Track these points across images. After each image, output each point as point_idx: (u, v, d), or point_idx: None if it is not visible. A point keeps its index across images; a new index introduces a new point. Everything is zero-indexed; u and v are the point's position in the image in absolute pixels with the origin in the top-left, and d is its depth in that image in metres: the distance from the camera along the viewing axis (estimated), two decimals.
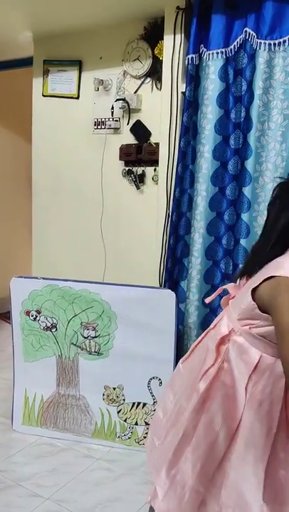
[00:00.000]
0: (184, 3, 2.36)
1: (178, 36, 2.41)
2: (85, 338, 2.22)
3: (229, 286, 1.54)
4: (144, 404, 2.21)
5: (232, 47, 2.21)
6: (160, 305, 2.12)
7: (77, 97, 2.97)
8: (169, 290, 2.18)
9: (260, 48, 2.10)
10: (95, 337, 2.20)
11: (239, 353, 1.30)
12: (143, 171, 2.74)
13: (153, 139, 2.69)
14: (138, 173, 2.74)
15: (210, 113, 2.27)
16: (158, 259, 2.56)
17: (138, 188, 2.76)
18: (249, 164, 2.19)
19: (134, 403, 2.22)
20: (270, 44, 2.09)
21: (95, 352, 2.22)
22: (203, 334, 1.52)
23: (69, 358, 2.26)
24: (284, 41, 2.07)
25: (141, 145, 2.72)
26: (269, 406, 1.27)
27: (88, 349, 2.23)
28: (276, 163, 2.16)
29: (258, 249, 1.34)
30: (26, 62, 3.27)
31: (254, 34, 2.12)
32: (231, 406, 1.32)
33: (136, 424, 2.22)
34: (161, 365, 2.14)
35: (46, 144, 3.13)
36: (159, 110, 2.54)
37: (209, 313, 2.36)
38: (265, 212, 2.29)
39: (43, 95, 3.09)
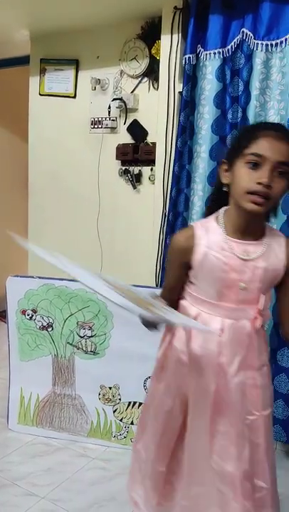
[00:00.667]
0: (182, 3, 2.37)
1: (175, 36, 2.41)
2: (81, 337, 2.22)
3: None
4: (140, 404, 2.21)
5: (229, 47, 2.21)
6: None
7: (74, 96, 2.97)
8: None
9: (257, 49, 2.11)
10: (91, 336, 2.20)
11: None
12: (140, 170, 2.74)
13: (150, 139, 2.70)
14: (135, 173, 2.75)
15: (207, 113, 2.28)
16: (154, 258, 2.56)
17: (135, 187, 2.76)
18: None
19: (130, 402, 2.22)
20: (267, 45, 2.09)
21: (91, 351, 2.22)
22: None
23: (65, 357, 2.26)
24: (281, 42, 2.07)
25: (138, 145, 2.72)
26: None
27: (84, 348, 2.22)
28: None
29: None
30: (23, 60, 3.27)
31: (251, 35, 2.12)
32: (184, 372, 1.32)
33: (132, 423, 2.22)
34: None
35: (43, 143, 3.13)
36: (155, 110, 2.54)
37: None
38: None
39: (39, 94, 3.09)
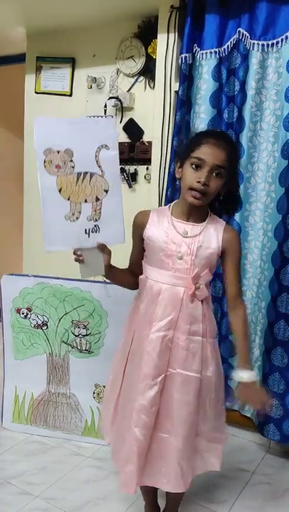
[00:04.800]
0: (178, 3, 2.36)
1: (171, 35, 2.41)
2: (75, 336, 2.22)
3: None
4: None
5: (225, 47, 2.21)
6: None
7: (70, 95, 2.97)
8: None
9: (253, 49, 2.11)
10: (86, 335, 2.20)
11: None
12: (135, 169, 2.74)
13: (146, 138, 2.70)
14: (130, 172, 2.74)
15: (203, 112, 2.28)
16: None
17: (130, 186, 2.76)
18: (241, 164, 2.20)
19: None
20: (263, 45, 2.10)
21: (85, 350, 2.22)
22: None
23: (59, 356, 2.25)
24: (277, 42, 2.08)
25: (133, 143, 2.72)
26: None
27: (79, 347, 2.22)
28: (268, 164, 2.18)
29: None
30: (19, 58, 3.26)
31: (247, 34, 2.13)
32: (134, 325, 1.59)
33: None
34: None
35: None
36: (152, 109, 2.55)
37: None
38: (257, 212, 2.33)
39: (35, 92, 3.08)
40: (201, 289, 1.48)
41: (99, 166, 1.48)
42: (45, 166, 1.45)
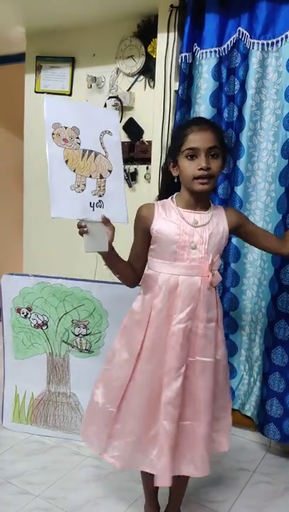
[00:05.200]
0: (178, 2, 2.36)
1: (171, 34, 2.41)
2: (76, 335, 2.21)
3: None
4: None
5: (225, 46, 2.21)
6: None
7: (70, 94, 2.97)
8: None
9: (253, 48, 2.11)
10: (86, 335, 2.20)
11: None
12: (135, 169, 2.74)
13: (145, 137, 2.70)
14: (130, 171, 2.74)
15: (203, 112, 2.28)
16: None
17: (130, 186, 2.76)
18: (241, 164, 2.20)
19: None
20: (263, 44, 2.10)
21: (85, 350, 2.22)
22: None
23: (60, 355, 2.25)
24: (277, 41, 2.07)
25: (133, 143, 2.72)
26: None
27: (79, 347, 2.22)
28: (268, 163, 2.17)
29: None
30: (19, 58, 3.26)
31: (247, 34, 2.12)
32: (138, 326, 1.57)
33: None
34: None
35: (38, 141, 3.11)
36: (151, 108, 2.54)
37: None
38: (257, 212, 2.32)
39: (35, 92, 3.08)
40: (215, 275, 1.51)
41: (103, 148, 1.53)
42: (53, 138, 1.47)
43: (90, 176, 1.50)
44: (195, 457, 1.53)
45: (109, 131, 1.54)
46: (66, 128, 1.49)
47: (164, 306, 1.51)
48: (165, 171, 1.59)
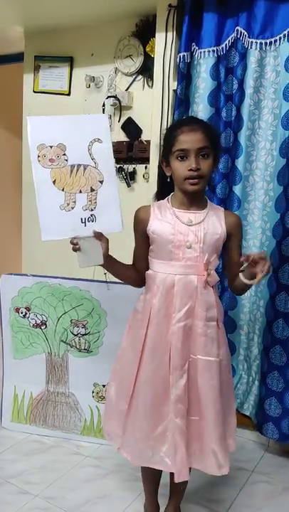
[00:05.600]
0: (176, 1, 2.36)
1: (170, 34, 2.41)
2: (74, 335, 2.22)
3: None
4: None
5: (223, 45, 2.21)
6: None
7: (69, 94, 2.96)
8: None
9: (251, 47, 2.11)
10: (85, 334, 2.20)
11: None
12: (134, 168, 2.74)
13: (144, 137, 2.70)
14: (129, 171, 2.74)
15: (201, 111, 2.28)
16: None
17: (129, 185, 2.76)
18: (239, 163, 2.20)
19: None
20: (261, 43, 2.10)
21: (84, 349, 2.22)
22: None
23: (58, 355, 2.25)
24: (275, 41, 2.07)
25: (132, 142, 2.72)
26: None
27: (78, 346, 2.22)
28: (266, 162, 2.18)
29: None
30: (17, 57, 3.26)
31: (245, 33, 2.12)
32: (141, 325, 1.58)
33: None
34: None
35: None
36: (150, 108, 2.54)
37: None
38: (256, 211, 2.33)
39: (33, 91, 3.08)
40: (212, 275, 1.51)
41: (92, 159, 1.52)
42: (39, 161, 1.49)
43: (80, 191, 1.51)
44: (203, 453, 1.54)
45: (98, 139, 1.52)
46: (52, 147, 1.49)
47: (162, 306, 1.52)
48: (161, 169, 1.60)
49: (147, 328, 1.55)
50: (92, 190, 1.52)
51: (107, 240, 1.54)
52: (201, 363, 1.52)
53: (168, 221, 1.52)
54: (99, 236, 1.52)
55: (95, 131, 1.53)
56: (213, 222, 1.52)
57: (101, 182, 1.53)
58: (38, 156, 1.48)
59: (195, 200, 1.52)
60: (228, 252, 1.58)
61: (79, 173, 1.51)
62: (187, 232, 1.50)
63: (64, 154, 1.49)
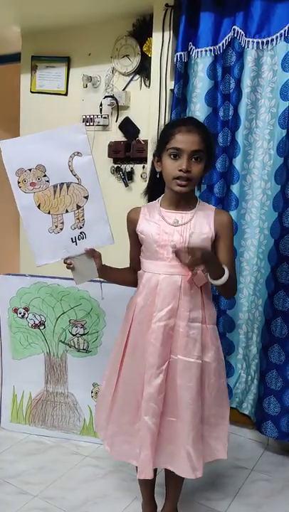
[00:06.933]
0: (173, 1, 2.36)
1: (166, 33, 2.41)
2: (73, 335, 2.22)
3: None
4: None
5: (220, 45, 2.21)
6: None
7: (66, 94, 2.96)
8: None
9: (248, 47, 2.11)
10: (84, 334, 2.20)
11: None
12: (132, 168, 2.74)
13: (141, 136, 2.70)
14: (127, 171, 2.74)
15: (198, 111, 2.28)
16: None
17: (127, 185, 2.76)
18: (237, 162, 2.20)
19: None
20: (258, 42, 2.10)
21: (83, 349, 2.22)
22: None
23: (57, 355, 2.25)
24: (272, 40, 2.08)
25: (129, 142, 2.72)
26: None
27: (77, 346, 2.22)
28: (264, 161, 2.18)
29: None
30: (14, 58, 3.25)
31: (242, 32, 2.12)
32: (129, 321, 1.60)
33: None
34: None
35: None
36: (147, 107, 2.54)
37: None
38: (253, 210, 2.33)
39: (31, 92, 3.07)
40: (198, 275, 1.49)
41: (74, 175, 1.50)
42: (20, 187, 1.48)
43: (67, 211, 1.51)
44: (177, 455, 1.52)
45: (77, 152, 1.49)
46: (31, 170, 1.46)
47: (145, 304, 1.53)
48: (153, 165, 1.60)
49: (130, 326, 1.58)
50: (78, 207, 1.52)
51: (100, 254, 1.57)
52: (180, 364, 1.51)
53: (155, 221, 1.53)
54: (91, 252, 1.55)
55: (72, 143, 1.49)
56: (200, 222, 1.51)
57: (86, 198, 1.52)
58: (19, 182, 1.46)
59: (183, 200, 1.52)
60: (216, 252, 1.55)
61: (63, 192, 1.49)
62: (172, 232, 1.50)
63: (44, 175, 1.47)
